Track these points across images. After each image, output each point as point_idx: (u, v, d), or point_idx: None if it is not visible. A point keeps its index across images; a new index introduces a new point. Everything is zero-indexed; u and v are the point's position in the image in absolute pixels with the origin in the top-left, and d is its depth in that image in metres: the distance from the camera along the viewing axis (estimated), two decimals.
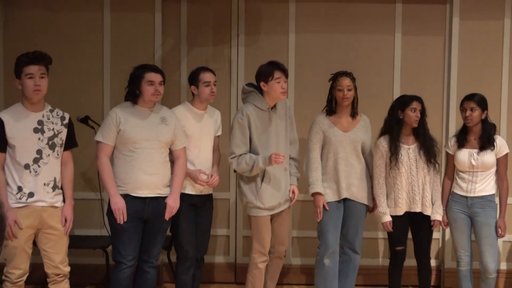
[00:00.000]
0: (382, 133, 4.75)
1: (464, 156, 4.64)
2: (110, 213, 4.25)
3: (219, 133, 4.78)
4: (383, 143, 4.68)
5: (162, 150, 4.31)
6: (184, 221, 4.54)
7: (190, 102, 4.65)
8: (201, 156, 4.60)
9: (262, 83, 4.54)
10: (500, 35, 5.57)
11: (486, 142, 4.62)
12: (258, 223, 4.57)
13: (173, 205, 4.33)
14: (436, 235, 5.51)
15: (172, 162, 4.44)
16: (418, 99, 4.70)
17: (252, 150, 4.54)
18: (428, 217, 4.70)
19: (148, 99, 4.25)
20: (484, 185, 4.64)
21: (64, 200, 4.13)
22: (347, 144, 4.71)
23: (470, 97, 4.66)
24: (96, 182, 5.13)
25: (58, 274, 4.09)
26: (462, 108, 4.67)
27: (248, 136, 4.53)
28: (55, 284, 4.11)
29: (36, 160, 3.97)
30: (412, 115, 4.65)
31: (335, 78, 4.73)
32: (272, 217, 4.63)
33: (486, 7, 5.56)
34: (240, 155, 4.51)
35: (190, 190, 4.56)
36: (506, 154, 4.67)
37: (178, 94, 5.56)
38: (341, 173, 4.70)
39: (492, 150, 4.61)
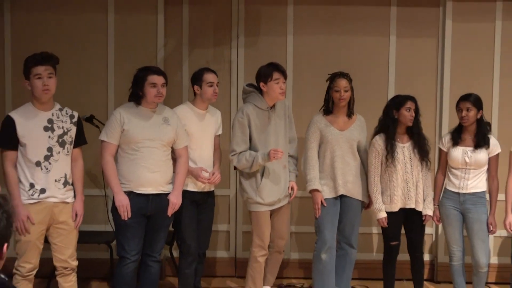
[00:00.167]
0: (376, 132, 4.76)
1: (458, 153, 4.66)
2: (114, 209, 4.26)
3: (220, 132, 4.80)
4: (379, 141, 4.69)
5: (165, 149, 4.32)
6: (186, 217, 4.56)
7: (192, 102, 4.66)
8: (202, 155, 4.61)
9: (261, 84, 4.56)
10: (491, 37, 5.57)
11: (481, 141, 4.63)
12: (258, 218, 4.60)
13: (175, 201, 4.35)
14: (429, 230, 5.53)
15: (174, 160, 4.45)
16: (412, 99, 4.71)
17: (252, 148, 4.57)
18: (421, 212, 4.72)
19: (151, 100, 4.27)
20: (476, 182, 4.66)
21: (75, 196, 4.15)
22: (343, 142, 4.73)
23: (466, 98, 4.66)
24: (100, 179, 5.13)
25: (66, 268, 4.11)
26: (458, 108, 4.68)
27: (248, 134, 4.56)
28: (63, 277, 4.13)
29: (47, 158, 3.98)
30: (407, 115, 4.66)
31: (332, 79, 4.74)
32: (272, 213, 4.66)
33: (478, 10, 5.55)
34: (240, 152, 4.53)
35: (192, 187, 4.58)
36: (498, 154, 4.69)
37: (180, 94, 5.55)
38: (337, 170, 4.72)
39: (486, 149, 4.63)
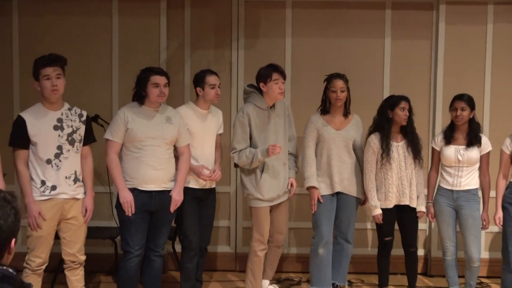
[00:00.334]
0: (371, 132, 4.77)
1: (451, 152, 4.66)
2: (118, 205, 4.27)
3: (221, 131, 4.79)
4: (375, 140, 4.69)
5: (167, 147, 4.33)
6: (188, 213, 4.56)
7: (194, 102, 4.66)
8: (204, 153, 4.61)
9: (261, 84, 4.58)
10: (483, 39, 5.58)
11: (473, 139, 4.64)
12: (258, 213, 4.61)
13: (177, 198, 4.35)
14: (423, 226, 5.53)
15: (177, 158, 4.45)
16: (406, 99, 4.72)
17: (252, 146, 4.60)
18: (414, 209, 4.74)
19: (154, 100, 4.27)
20: (469, 180, 4.67)
21: (85, 192, 4.16)
22: (339, 141, 4.74)
23: (460, 97, 4.67)
24: (105, 176, 5.13)
25: (74, 262, 4.14)
26: (453, 107, 4.68)
27: (249, 133, 4.58)
28: (71, 270, 4.15)
29: (57, 155, 4.00)
30: (401, 114, 4.67)
31: (329, 79, 4.75)
32: (272, 208, 4.67)
33: (470, 13, 5.56)
34: (241, 150, 4.54)
35: (193, 184, 4.58)
36: (489, 152, 4.70)
37: (182, 94, 5.55)
38: (334, 168, 4.73)
39: (478, 147, 4.64)
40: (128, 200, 4.20)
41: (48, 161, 3.98)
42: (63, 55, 4.09)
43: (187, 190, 4.49)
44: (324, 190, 4.74)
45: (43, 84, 3.94)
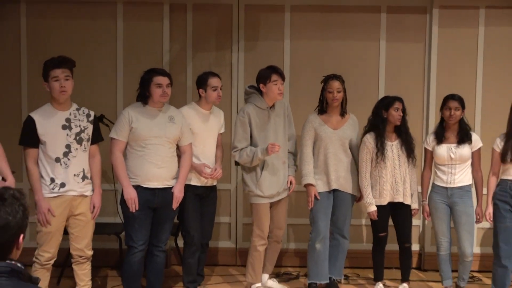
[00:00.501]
0: (366, 131, 4.78)
1: (443, 150, 4.68)
2: (123, 202, 4.28)
3: (222, 130, 4.80)
4: (370, 140, 4.70)
5: (170, 146, 4.33)
6: (190, 210, 4.57)
7: (197, 103, 4.67)
8: (205, 152, 4.62)
9: (261, 85, 4.59)
10: (475, 41, 5.59)
11: (464, 137, 4.66)
12: (258, 210, 4.62)
13: (178, 195, 4.36)
14: (417, 222, 5.54)
15: (179, 156, 4.46)
16: (400, 100, 4.74)
17: (252, 145, 4.62)
18: (409, 206, 4.75)
19: (157, 100, 4.28)
20: (462, 176, 4.68)
21: (93, 189, 4.17)
22: (336, 140, 4.76)
23: (453, 97, 4.68)
24: (110, 174, 5.13)
25: (82, 256, 4.15)
26: (446, 107, 4.68)
27: (249, 132, 4.59)
28: (78, 264, 4.17)
29: (65, 154, 4.02)
30: (395, 114, 4.68)
31: (326, 80, 4.77)
32: (271, 205, 4.69)
33: (462, 16, 5.58)
34: (242, 149, 4.55)
35: (195, 182, 4.59)
36: (480, 148, 4.72)
37: (184, 94, 5.56)
38: (330, 166, 4.74)
39: (469, 144, 4.65)
40: (132, 197, 4.21)
41: (57, 160, 4.00)
42: (70, 56, 4.10)
43: (189, 188, 4.50)
44: (321, 187, 4.75)
45: (52, 85, 3.96)
